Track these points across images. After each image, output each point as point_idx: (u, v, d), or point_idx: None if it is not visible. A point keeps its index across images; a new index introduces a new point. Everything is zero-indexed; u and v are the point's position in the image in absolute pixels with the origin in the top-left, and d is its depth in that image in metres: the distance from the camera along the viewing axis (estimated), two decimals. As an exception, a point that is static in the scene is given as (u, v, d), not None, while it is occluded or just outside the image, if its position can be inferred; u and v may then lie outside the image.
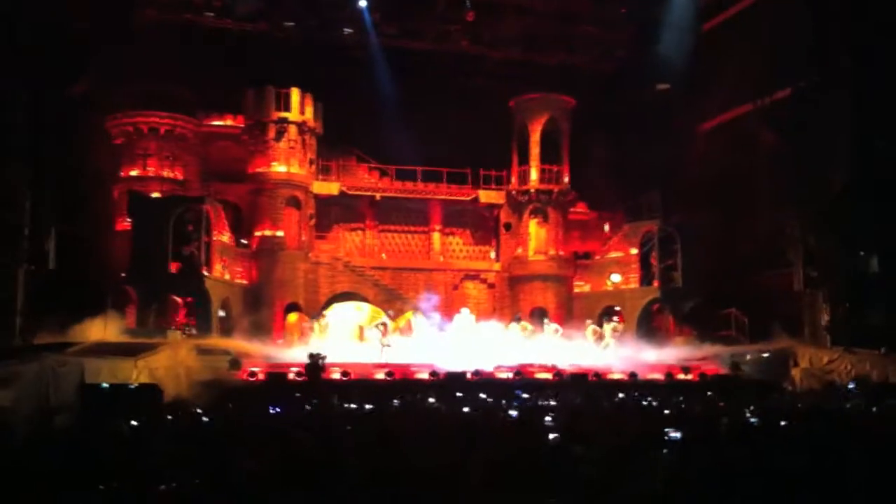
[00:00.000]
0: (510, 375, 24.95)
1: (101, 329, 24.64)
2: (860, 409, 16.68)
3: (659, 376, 25.42)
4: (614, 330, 30.98)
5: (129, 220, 31.81)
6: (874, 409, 16.75)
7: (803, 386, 24.38)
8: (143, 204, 31.31)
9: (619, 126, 35.18)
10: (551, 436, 10.52)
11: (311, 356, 23.68)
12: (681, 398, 20.27)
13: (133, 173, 34.54)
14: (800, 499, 7.88)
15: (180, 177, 35.03)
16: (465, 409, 16.09)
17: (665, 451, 9.59)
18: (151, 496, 7.45)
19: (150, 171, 34.58)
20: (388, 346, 28.36)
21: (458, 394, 20.76)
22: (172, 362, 21.64)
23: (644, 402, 18.95)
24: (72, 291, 26.07)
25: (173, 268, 29.90)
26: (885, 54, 26.04)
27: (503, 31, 36.60)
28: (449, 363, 24.87)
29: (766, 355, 26.51)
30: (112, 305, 27.34)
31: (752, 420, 14.02)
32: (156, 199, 32.22)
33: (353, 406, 17.77)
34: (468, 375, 23.94)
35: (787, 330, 27.69)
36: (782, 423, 13.14)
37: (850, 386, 22.73)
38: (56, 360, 18.11)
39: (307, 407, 17.46)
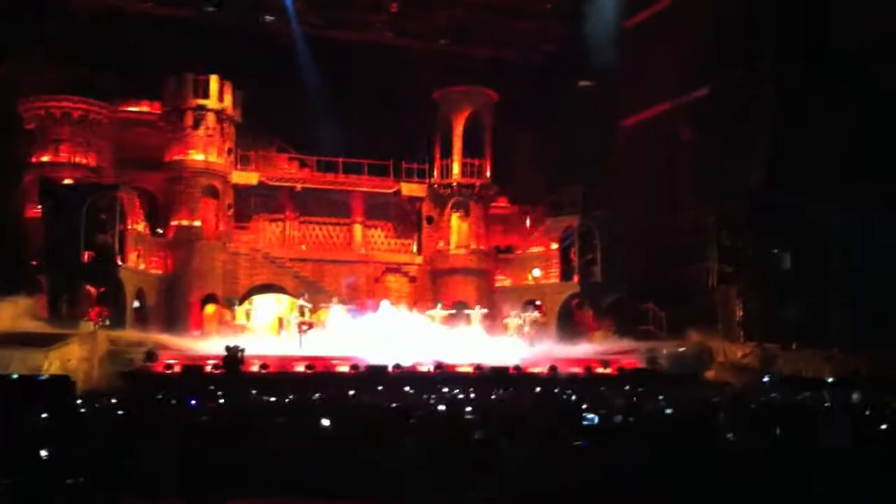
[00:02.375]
0: (431, 369, 24.89)
1: (12, 318, 23.82)
2: (774, 402, 17.05)
3: (579, 370, 25.64)
4: (534, 321, 31.27)
5: (40, 207, 30.81)
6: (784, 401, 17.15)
7: (718, 379, 24.88)
8: (54, 191, 30.36)
9: (543, 120, 35.41)
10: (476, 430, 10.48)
11: (229, 349, 23.26)
12: (601, 389, 20.51)
13: (45, 159, 33.44)
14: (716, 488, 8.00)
15: (94, 164, 34.02)
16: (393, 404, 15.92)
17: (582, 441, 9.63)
18: (60, 489, 7.18)
19: (63, 157, 33.51)
20: (306, 329, 28.20)
21: (379, 387, 20.63)
22: (85, 353, 21.04)
23: (564, 396, 19.07)
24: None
25: (86, 257, 29.08)
26: (806, 52, 26.70)
27: (429, 23, 36.54)
28: (370, 356, 24.70)
29: (682, 350, 27.00)
30: (23, 294, 26.43)
31: (668, 411, 14.20)
32: (68, 185, 31.24)
33: (272, 399, 17.47)
34: (389, 369, 23.82)
35: (703, 324, 28.26)
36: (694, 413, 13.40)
37: (764, 380, 23.26)
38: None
39: (221, 401, 17.08)
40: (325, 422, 11.20)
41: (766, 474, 8.43)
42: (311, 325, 28.84)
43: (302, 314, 29.10)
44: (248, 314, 32.30)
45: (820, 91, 25.96)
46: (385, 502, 8.51)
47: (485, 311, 32.43)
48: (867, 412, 13.48)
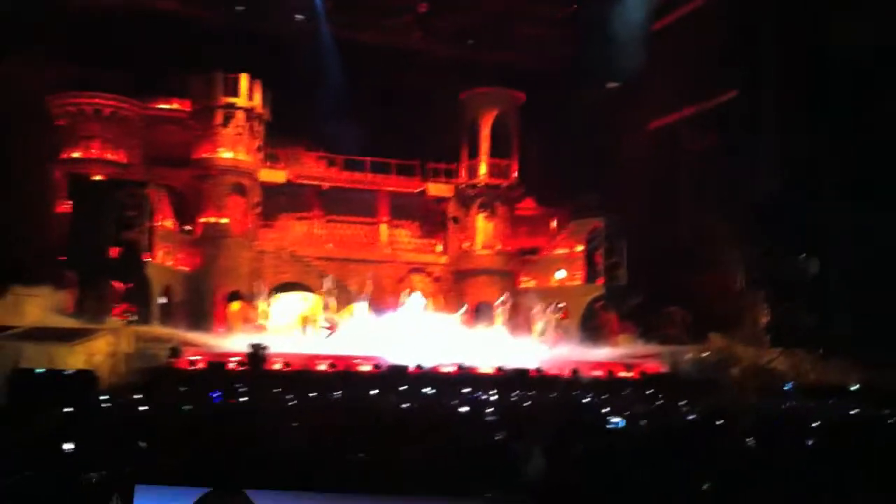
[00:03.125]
0: (453, 370, 24.90)
1: (39, 312, 24.10)
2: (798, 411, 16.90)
3: (601, 374, 25.55)
4: (556, 321, 31.30)
5: (69, 202, 31.10)
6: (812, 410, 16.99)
7: (742, 385, 24.70)
8: (83, 186, 30.68)
9: (567, 123, 35.30)
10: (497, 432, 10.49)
11: (253, 346, 23.42)
12: (623, 393, 20.42)
13: (75, 155, 33.81)
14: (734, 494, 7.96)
15: (123, 160, 34.37)
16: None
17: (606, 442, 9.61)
18: (81, 483, 7.26)
19: (93, 153, 33.89)
20: (330, 333, 28.38)
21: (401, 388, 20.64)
22: (111, 349, 21.24)
23: (585, 400, 19.01)
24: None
25: (114, 252, 29.32)
26: (828, 62, 26.49)
27: (457, 25, 36.55)
28: (393, 355, 24.74)
29: (706, 354, 26.83)
30: (51, 288, 26.70)
31: (690, 417, 14.13)
32: (97, 181, 31.57)
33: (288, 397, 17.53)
34: (410, 369, 23.86)
35: (728, 330, 28.07)
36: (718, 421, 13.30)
37: (787, 386, 23.07)
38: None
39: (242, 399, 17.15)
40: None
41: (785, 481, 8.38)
42: (333, 329, 28.90)
43: (327, 307, 29.23)
44: (266, 314, 32.45)
45: (844, 99, 25.73)
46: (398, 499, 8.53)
47: (504, 297, 32.44)
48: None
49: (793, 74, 27.79)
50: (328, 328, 28.80)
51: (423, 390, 20.22)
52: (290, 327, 32.40)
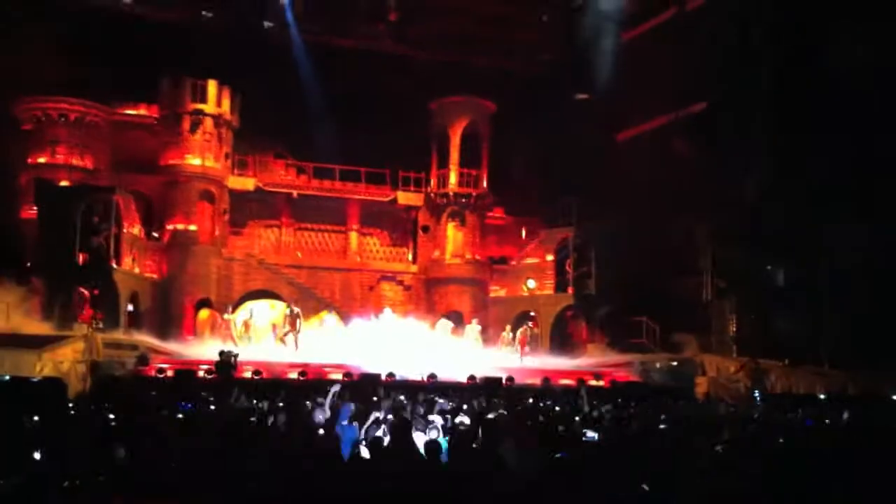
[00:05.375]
0: (423, 378, 24.80)
1: (4, 318, 23.79)
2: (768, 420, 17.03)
3: (571, 382, 25.58)
4: (522, 334, 31.28)
5: (35, 208, 30.74)
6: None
7: (710, 394, 24.86)
8: (50, 192, 30.34)
9: (539, 132, 35.43)
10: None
11: (223, 353, 23.17)
12: (594, 403, 20.42)
13: (41, 160, 33.49)
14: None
15: (90, 166, 34.08)
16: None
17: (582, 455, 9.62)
18: (51, 492, 7.14)
19: (59, 158, 33.61)
20: (289, 334, 28.40)
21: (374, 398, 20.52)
22: (78, 356, 20.97)
23: (557, 408, 19.02)
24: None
25: (81, 259, 28.99)
26: (805, 70, 26.78)
27: (428, 33, 36.61)
28: (364, 364, 24.61)
29: (674, 363, 26.99)
30: (17, 294, 26.38)
31: (661, 426, 14.19)
32: (64, 187, 31.26)
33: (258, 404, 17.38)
34: (383, 377, 23.73)
35: (696, 339, 28.27)
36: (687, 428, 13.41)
37: (756, 395, 23.28)
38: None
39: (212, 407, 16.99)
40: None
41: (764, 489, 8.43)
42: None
43: (292, 322, 29.05)
44: (246, 325, 32.25)
45: (818, 106, 26.02)
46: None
47: (479, 328, 32.30)
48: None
49: (774, 81, 28.07)
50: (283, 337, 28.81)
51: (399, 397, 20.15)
52: (259, 335, 32.14)
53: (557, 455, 8.71)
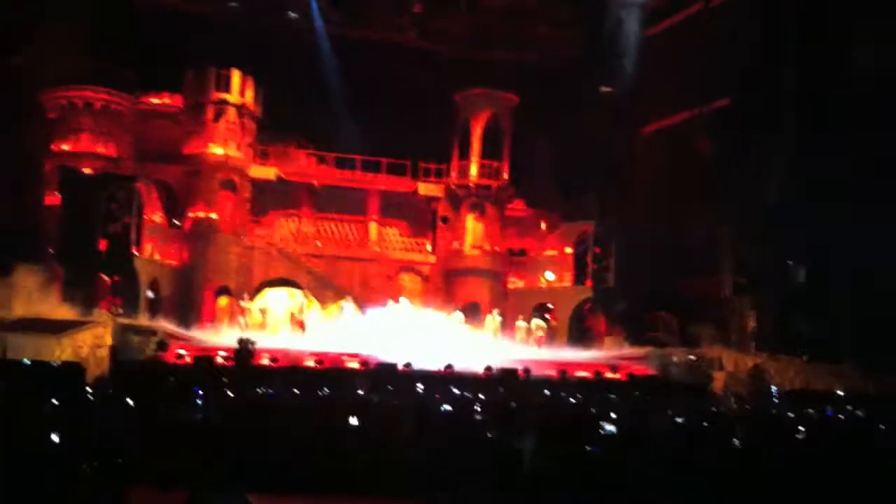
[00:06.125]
0: (441, 368, 24.85)
1: (26, 304, 24.03)
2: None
3: (588, 375, 25.57)
4: (537, 328, 31.32)
5: (59, 195, 31.01)
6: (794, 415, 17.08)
7: (728, 390, 24.78)
8: (74, 180, 30.58)
9: (562, 125, 35.36)
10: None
11: (241, 341, 23.35)
12: (610, 396, 20.43)
13: (65, 148, 33.70)
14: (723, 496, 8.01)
15: (114, 154, 34.25)
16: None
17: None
18: (68, 476, 7.25)
19: (84, 146, 33.76)
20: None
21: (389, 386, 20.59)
22: (98, 341, 21.17)
23: (572, 400, 19.03)
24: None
25: (102, 246, 29.24)
26: (827, 69, 26.61)
27: (451, 26, 36.60)
28: (380, 353, 24.70)
29: (692, 358, 26.89)
30: (39, 280, 26.63)
31: (678, 420, 14.19)
32: (87, 175, 31.47)
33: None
34: (399, 367, 23.80)
35: (715, 335, 28.18)
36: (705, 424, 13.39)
37: (773, 390, 23.20)
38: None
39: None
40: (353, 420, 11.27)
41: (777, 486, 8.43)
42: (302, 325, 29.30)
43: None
44: (262, 313, 32.52)
45: (840, 105, 25.83)
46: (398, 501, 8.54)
47: (500, 319, 32.41)
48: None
49: (794, 80, 27.91)
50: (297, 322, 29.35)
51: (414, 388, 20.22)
52: (278, 323, 32.32)
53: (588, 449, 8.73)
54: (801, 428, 13.23)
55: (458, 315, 32.64)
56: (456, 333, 30.73)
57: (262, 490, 8.25)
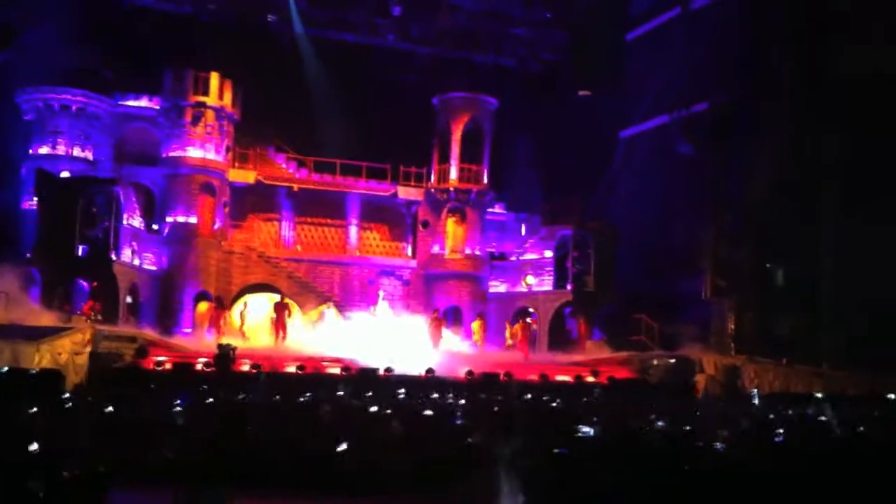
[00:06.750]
0: (422, 374, 24.83)
1: (3, 310, 23.82)
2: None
3: (568, 378, 25.62)
4: (512, 335, 31.52)
5: (35, 199, 30.73)
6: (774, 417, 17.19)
7: (707, 392, 24.90)
8: (51, 183, 30.23)
9: (542, 129, 35.46)
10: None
11: (221, 347, 23.22)
12: (590, 399, 20.50)
13: (43, 151, 33.40)
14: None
15: (92, 157, 34.01)
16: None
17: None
18: (48, 483, 7.18)
19: (61, 149, 33.47)
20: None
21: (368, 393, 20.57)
22: (77, 348, 20.98)
23: (553, 404, 19.07)
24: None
25: (80, 251, 29.01)
26: (808, 74, 26.83)
27: (431, 28, 36.61)
28: (363, 357, 24.66)
29: (672, 361, 26.98)
30: (15, 285, 26.38)
31: (659, 423, 14.24)
32: (65, 178, 31.17)
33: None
34: (380, 372, 23.78)
35: (696, 337, 28.31)
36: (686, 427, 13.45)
37: (753, 392, 23.34)
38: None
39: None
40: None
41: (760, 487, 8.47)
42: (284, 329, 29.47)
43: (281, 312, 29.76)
44: (242, 317, 32.43)
45: (821, 110, 26.06)
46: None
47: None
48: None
49: (777, 82, 28.11)
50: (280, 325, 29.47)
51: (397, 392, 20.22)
52: (258, 329, 32.21)
53: (556, 451, 8.75)
54: (779, 430, 13.32)
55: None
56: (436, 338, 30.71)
57: (243, 490, 8.23)
